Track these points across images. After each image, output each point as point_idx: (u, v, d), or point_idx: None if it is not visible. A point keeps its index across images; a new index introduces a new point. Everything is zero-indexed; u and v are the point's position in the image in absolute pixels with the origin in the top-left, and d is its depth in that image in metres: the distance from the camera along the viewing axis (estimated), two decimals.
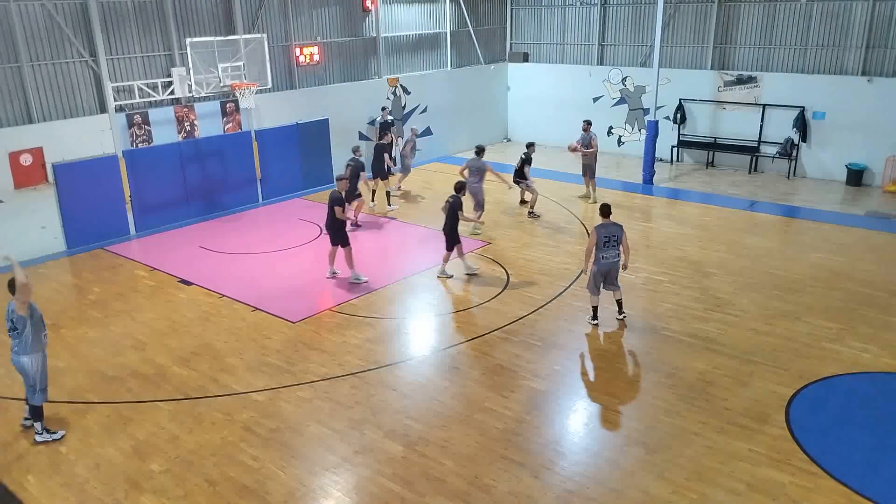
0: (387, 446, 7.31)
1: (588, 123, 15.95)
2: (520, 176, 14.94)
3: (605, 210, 9.59)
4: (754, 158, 18.56)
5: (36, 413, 7.53)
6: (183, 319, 10.50)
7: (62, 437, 7.58)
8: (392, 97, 19.54)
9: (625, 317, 9.95)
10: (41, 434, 7.54)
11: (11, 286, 7.15)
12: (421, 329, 10.28)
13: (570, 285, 11.30)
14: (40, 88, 13.27)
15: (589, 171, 15.92)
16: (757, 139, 18.44)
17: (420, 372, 8.92)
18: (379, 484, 6.76)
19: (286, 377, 8.76)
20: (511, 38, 23.07)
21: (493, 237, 13.72)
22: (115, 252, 13.58)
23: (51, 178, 13.35)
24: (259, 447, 7.35)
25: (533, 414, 7.87)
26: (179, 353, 9.48)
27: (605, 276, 9.66)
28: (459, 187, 11.90)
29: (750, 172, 18.56)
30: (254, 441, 7.46)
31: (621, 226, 9.58)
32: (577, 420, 7.82)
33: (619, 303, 9.94)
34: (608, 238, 9.42)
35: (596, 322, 9.77)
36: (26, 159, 13.00)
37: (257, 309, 10.75)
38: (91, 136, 13.80)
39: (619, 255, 9.57)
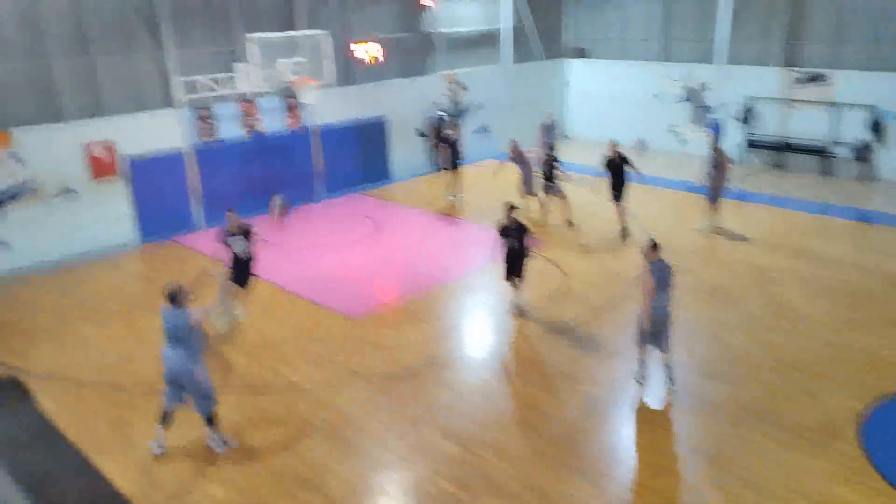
0: (443, 446, 7.36)
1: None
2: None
3: (654, 246, 7.94)
4: (826, 160, 17.78)
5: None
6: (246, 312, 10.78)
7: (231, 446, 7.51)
8: (449, 93, 19.56)
9: (674, 390, 8.14)
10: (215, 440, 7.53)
11: (173, 298, 7.10)
12: (478, 329, 10.29)
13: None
14: (111, 81, 13.77)
15: (714, 193, 13.48)
16: (829, 140, 17.66)
17: (477, 372, 8.93)
18: (435, 483, 6.82)
19: (344, 372, 8.90)
20: (569, 34, 22.74)
21: (548, 236, 13.56)
22: (184, 244, 14.04)
23: (123, 170, 13.90)
24: (319, 441, 7.51)
25: (591, 420, 7.79)
26: (242, 345, 9.75)
27: (654, 328, 7.90)
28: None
29: (821, 174, 17.80)
30: (313, 435, 7.62)
31: (671, 265, 7.99)
32: (636, 428, 7.70)
33: (669, 368, 8.15)
34: (660, 280, 7.78)
35: (643, 381, 8.23)
36: (100, 151, 13.57)
37: (317, 303, 10.96)
38: (160, 130, 14.26)
39: (670, 300, 7.90)
